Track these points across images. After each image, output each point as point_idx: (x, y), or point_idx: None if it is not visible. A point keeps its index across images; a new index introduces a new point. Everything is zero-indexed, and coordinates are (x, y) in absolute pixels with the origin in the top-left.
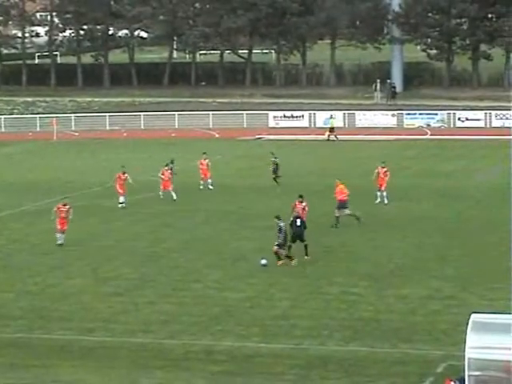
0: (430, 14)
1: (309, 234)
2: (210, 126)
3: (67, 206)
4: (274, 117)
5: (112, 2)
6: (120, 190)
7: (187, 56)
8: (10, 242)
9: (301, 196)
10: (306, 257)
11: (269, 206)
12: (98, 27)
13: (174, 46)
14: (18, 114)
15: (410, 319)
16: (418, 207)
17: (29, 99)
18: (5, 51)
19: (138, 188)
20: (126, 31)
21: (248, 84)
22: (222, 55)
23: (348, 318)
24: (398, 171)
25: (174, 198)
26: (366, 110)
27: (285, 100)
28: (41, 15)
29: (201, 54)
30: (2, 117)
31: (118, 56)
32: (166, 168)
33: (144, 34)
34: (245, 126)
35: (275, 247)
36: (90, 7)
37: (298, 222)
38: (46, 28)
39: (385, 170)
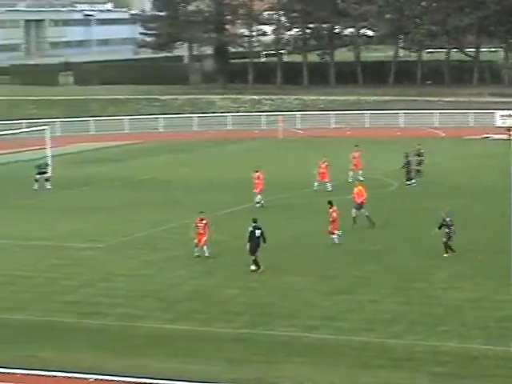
0: None
1: None
2: (436, 125)
3: (204, 221)
4: (501, 116)
5: (338, 1)
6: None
7: (413, 54)
8: (233, 239)
9: None
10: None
11: (495, 206)
12: (324, 26)
13: (400, 45)
14: (244, 112)
15: None
16: None
17: (255, 97)
18: (232, 50)
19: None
20: (351, 30)
21: (475, 83)
22: (448, 54)
23: None
24: None
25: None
26: None
27: None
28: (268, 14)
29: (427, 53)
30: (229, 114)
31: (343, 54)
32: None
33: (370, 33)
34: (472, 124)
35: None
36: (316, 6)
37: None
38: (273, 27)
39: None
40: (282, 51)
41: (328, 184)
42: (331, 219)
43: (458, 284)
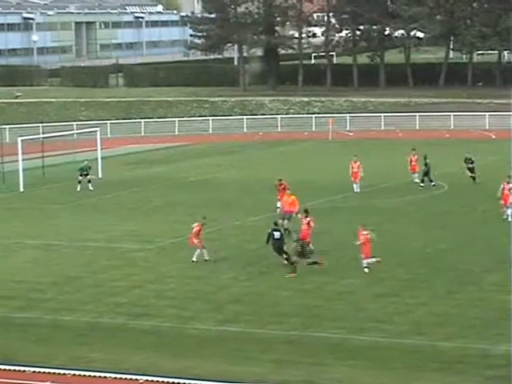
0: None
1: None
2: (486, 127)
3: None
4: None
5: (389, 2)
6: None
7: (464, 56)
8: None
9: None
10: None
11: None
12: (374, 27)
13: (451, 46)
14: (293, 114)
15: None
16: None
17: (305, 99)
18: (282, 51)
19: (404, 189)
20: (402, 31)
21: None
22: (499, 55)
23: None
24: None
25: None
26: None
27: None
28: (318, 16)
29: (478, 54)
30: (279, 116)
31: (393, 56)
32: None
33: (420, 34)
34: None
35: None
36: (366, 8)
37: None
38: (323, 28)
39: None
40: (332, 53)
41: (356, 185)
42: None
43: (510, 287)
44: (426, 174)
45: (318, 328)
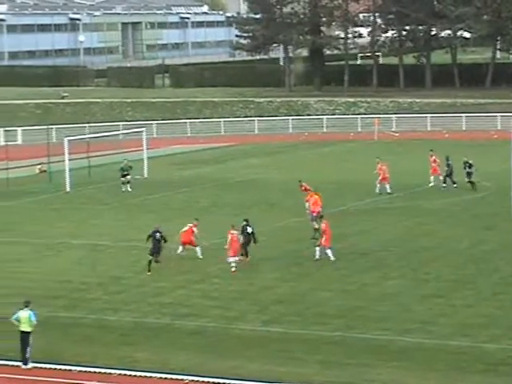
0: None
1: None
2: None
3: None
4: None
5: (435, 2)
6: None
7: (511, 56)
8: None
9: None
10: None
11: None
12: (421, 28)
13: (498, 47)
14: (339, 115)
15: None
16: None
17: (350, 100)
18: (327, 52)
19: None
20: (448, 31)
21: None
22: None
23: None
24: None
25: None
26: None
27: None
28: (364, 16)
29: None
30: (324, 117)
31: (439, 56)
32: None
33: (467, 35)
34: None
35: None
36: (412, 8)
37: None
38: (369, 29)
39: None
40: (378, 53)
41: (379, 186)
42: None
43: None
44: (449, 175)
45: (362, 329)
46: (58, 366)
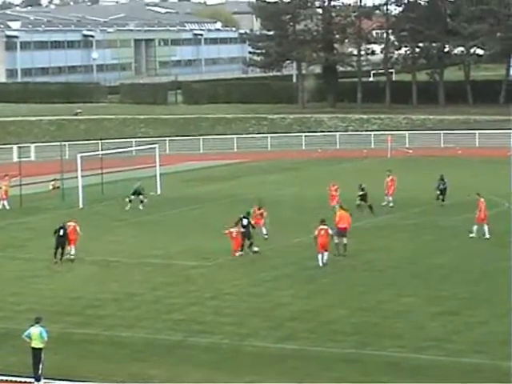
0: None
1: None
2: None
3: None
4: None
5: (448, 20)
6: None
7: None
8: (343, 258)
9: None
10: None
11: None
12: (434, 45)
13: (511, 64)
14: (352, 131)
15: None
16: None
17: (363, 116)
18: (340, 69)
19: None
20: (461, 48)
21: None
22: None
23: None
24: None
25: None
26: None
27: None
28: (377, 33)
29: None
30: (337, 133)
31: (452, 73)
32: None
33: (480, 52)
34: None
35: None
36: (425, 25)
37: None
38: (382, 46)
39: None
40: (391, 70)
41: (389, 198)
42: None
43: None
44: (442, 192)
45: (377, 346)
46: (71, 383)
